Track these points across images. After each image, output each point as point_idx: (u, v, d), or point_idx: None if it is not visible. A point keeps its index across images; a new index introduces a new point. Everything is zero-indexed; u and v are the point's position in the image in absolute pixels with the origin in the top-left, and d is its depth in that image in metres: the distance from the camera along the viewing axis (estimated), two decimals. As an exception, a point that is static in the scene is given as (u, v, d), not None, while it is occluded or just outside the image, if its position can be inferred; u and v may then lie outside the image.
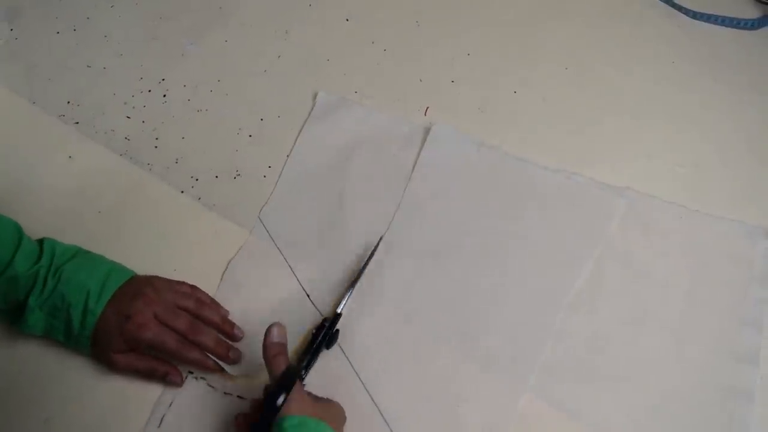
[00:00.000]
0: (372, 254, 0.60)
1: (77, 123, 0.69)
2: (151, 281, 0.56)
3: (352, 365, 0.55)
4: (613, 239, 0.61)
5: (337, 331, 0.56)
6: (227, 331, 0.56)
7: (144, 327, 0.52)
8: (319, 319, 0.57)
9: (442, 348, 0.56)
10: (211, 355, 0.55)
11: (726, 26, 0.78)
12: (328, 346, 0.55)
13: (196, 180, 0.66)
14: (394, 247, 0.62)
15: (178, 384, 0.54)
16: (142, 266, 0.58)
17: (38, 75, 0.73)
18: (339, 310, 0.56)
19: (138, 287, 0.55)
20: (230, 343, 0.57)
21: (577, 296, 0.59)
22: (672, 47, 0.76)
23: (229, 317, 0.58)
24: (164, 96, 0.72)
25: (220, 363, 0.55)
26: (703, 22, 0.79)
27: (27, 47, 0.76)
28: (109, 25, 0.78)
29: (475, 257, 0.61)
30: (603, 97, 0.72)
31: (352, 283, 0.58)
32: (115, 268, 0.56)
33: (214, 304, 0.58)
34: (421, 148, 0.67)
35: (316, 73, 0.74)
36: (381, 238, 0.61)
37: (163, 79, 0.73)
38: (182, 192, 0.65)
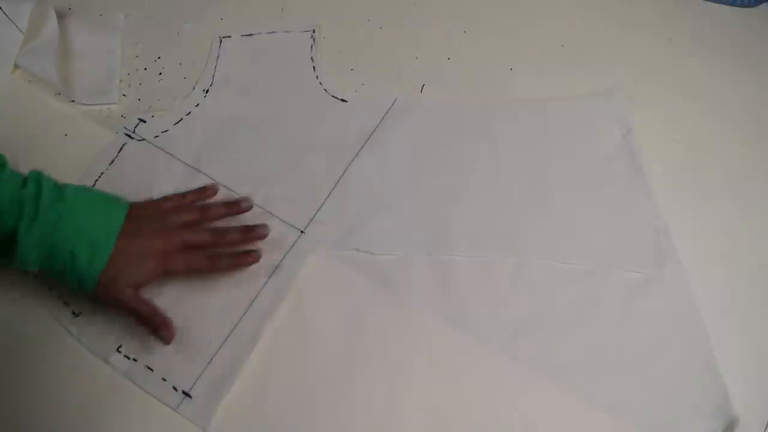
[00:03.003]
0: None
1: (73, 101, 0.69)
2: (154, 210, 0.56)
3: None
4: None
5: None
6: (235, 210, 0.58)
7: (172, 259, 0.54)
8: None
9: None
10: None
11: (724, 3, 0.78)
12: None
13: (192, 157, 0.66)
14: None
15: (167, 341, 0.54)
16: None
17: (33, 53, 0.73)
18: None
19: (142, 220, 0.54)
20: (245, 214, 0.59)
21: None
22: (669, 25, 0.76)
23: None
24: (160, 74, 0.72)
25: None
26: (700, 0, 0.79)
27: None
28: (104, 3, 0.77)
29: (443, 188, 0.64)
30: (599, 75, 0.72)
31: None
32: (108, 199, 0.55)
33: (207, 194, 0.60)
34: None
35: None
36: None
37: (159, 57, 0.73)
38: (178, 169, 0.65)
